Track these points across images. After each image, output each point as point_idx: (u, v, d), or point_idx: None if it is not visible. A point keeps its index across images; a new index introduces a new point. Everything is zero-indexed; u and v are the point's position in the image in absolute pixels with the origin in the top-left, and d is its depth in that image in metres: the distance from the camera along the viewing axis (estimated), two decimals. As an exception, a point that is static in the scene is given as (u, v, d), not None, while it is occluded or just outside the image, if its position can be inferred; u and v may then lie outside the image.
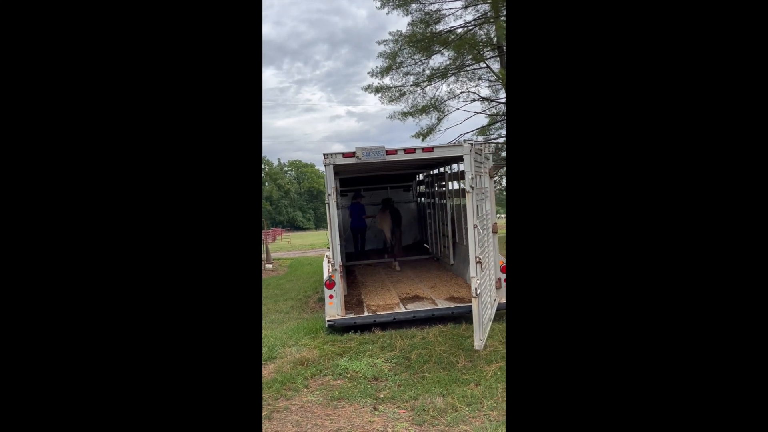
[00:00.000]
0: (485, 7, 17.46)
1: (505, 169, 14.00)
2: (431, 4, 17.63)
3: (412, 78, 18.53)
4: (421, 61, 18.14)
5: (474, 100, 19.10)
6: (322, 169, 5.90)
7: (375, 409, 3.99)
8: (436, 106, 18.35)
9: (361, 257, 10.57)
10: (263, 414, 3.98)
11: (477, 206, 5.20)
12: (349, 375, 4.70)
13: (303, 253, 21.03)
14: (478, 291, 4.84)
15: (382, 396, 4.22)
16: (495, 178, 6.18)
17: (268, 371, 4.97)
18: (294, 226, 58.91)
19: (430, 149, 6.17)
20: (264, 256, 15.86)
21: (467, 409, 3.79)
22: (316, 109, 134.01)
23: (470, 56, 17.80)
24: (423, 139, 18.73)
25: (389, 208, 9.86)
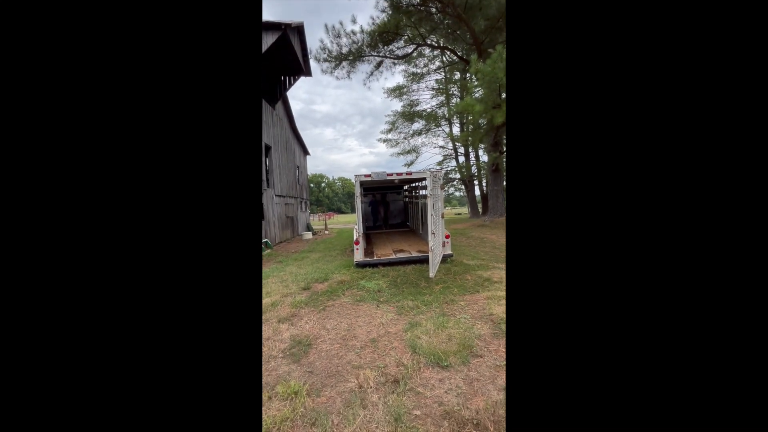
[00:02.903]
0: (442, 98, 25.48)
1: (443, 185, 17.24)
2: (413, 95, 26.66)
3: (402, 135, 26.65)
4: (407, 125, 26.91)
5: (435, 147, 27.27)
6: (354, 180, 7.45)
7: (377, 306, 4.97)
8: (415, 150, 26.94)
9: (374, 229, 13.40)
10: (322, 307, 4.95)
11: (433, 204, 6.45)
12: (365, 289, 5.87)
13: (344, 225, 27.17)
14: (432, 247, 6.06)
15: (381, 300, 5.24)
16: (443, 189, 7.66)
17: (324, 286, 6.23)
18: (340, 211, 79.82)
19: (410, 173, 7.87)
20: (324, 225, 22.99)
21: (424, 307, 4.77)
22: (352, 150, 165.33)
23: (434, 124, 26.25)
24: (408, 167, 24.85)
25: (383, 202, 14.24)
